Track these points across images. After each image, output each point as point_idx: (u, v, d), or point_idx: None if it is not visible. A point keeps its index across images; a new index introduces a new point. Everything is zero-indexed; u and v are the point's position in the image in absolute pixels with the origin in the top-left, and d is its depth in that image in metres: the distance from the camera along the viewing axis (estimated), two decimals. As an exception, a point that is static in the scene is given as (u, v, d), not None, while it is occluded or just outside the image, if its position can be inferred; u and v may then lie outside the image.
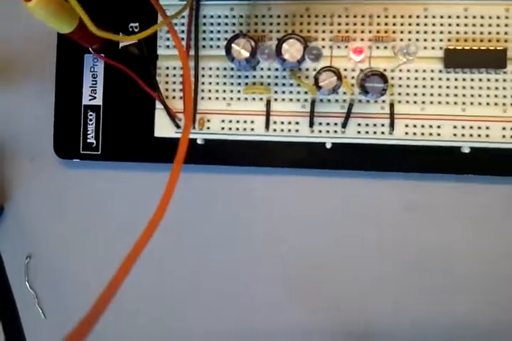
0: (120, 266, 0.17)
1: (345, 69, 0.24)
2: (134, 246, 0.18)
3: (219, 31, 0.25)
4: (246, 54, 0.23)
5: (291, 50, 0.22)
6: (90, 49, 0.25)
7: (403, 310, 0.24)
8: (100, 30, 0.19)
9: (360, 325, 0.25)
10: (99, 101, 0.26)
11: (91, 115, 0.26)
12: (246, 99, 0.24)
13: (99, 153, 0.26)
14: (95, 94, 0.26)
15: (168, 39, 0.25)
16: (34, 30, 0.26)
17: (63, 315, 0.26)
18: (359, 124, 0.24)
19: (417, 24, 0.23)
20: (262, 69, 0.24)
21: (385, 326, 0.24)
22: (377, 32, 0.24)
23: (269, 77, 0.24)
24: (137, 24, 0.26)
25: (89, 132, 0.26)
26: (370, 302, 0.24)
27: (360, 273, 0.24)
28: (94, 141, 0.26)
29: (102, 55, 0.25)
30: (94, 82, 0.26)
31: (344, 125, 0.24)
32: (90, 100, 0.26)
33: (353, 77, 0.24)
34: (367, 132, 0.24)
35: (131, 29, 0.26)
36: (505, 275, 0.24)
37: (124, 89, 0.25)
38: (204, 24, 0.25)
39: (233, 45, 0.23)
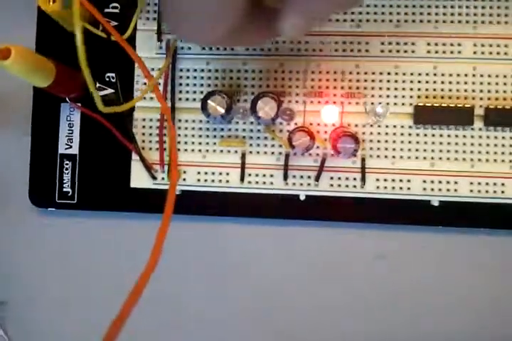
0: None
1: (318, 124, 0.24)
2: (129, 297, 0.18)
3: (195, 84, 0.25)
4: (221, 110, 0.23)
5: (266, 108, 0.23)
6: (67, 99, 0.26)
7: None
8: (106, 107, 0.20)
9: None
10: (75, 150, 0.26)
11: (67, 164, 0.26)
12: (221, 151, 0.25)
13: (75, 202, 0.26)
14: (71, 143, 0.26)
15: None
16: (9, 78, 0.26)
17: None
18: (331, 178, 0.24)
19: (388, 81, 0.24)
20: (237, 122, 0.25)
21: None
22: (349, 88, 0.24)
23: (244, 130, 0.25)
24: (114, 74, 0.26)
25: (65, 181, 0.26)
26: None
27: (335, 322, 0.25)
28: (70, 190, 0.26)
29: (79, 104, 0.26)
30: (71, 131, 0.26)
31: (317, 178, 0.24)
32: (66, 149, 0.26)
33: (325, 132, 0.24)
34: (339, 185, 0.24)
35: (107, 79, 0.26)
36: (471, 322, 0.24)
37: (100, 139, 0.26)
38: (180, 77, 0.25)
39: (209, 101, 0.23)
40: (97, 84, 0.26)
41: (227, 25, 0.17)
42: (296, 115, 0.24)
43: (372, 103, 0.24)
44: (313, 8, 0.16)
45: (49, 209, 0.26)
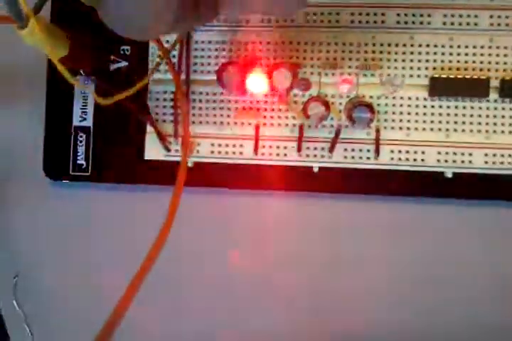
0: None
1: (333, 96, 0.24)
2: (139, 269, 0.19)
3: (210, 56, 0.25)
4: (237, 81, 0.23)
5: (281, 78, 0.23)
6: (81, 71, 0.26)
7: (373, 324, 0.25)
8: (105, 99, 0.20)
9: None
10: (89, 122, 0.26)
11: (81, 136, 0.26)
12: (235, 123, 0.25)
13: (89, 174, 0.26)
14: (85, 115, 0.26)
15: (159, 63, 0.25)
16: (23, 52, 0.26)
17: (51, 334, 0.26)
18: (345, 149, 0.24)
19: (403, 53, 0.24)
20: (251, 94, 0.25)
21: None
22: (365, 60, 0.24)
23: (258, 102, 0.25)
24: (129, 47, 0.26)
25: (79, 153, 0.26)
26: (355, 323, 0.25)
27: (348, 296, 0.25)
28: (84, 163, 0.26)
29: (93, 77, 0.26)
30: (85, 104, 0.26)
31: (331, 150, 0.24)
32: (81, 121, 0.26)
33: (340, 104, 0.24)
34: (353, 157, 0.24)
35: (122, 52, 0.26)
36: (485, 292, 0.24)
37: (114, 112, 0.26)
38: (195, 49, 0.25)
39: (224, 73, 0.23)
40: (112, 57, 0.26)
41: (168, 22, 0.17)
42: (312, 86, 0.24)
43: (388, 74, 0.24)
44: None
45: (63, 181, 0.26)
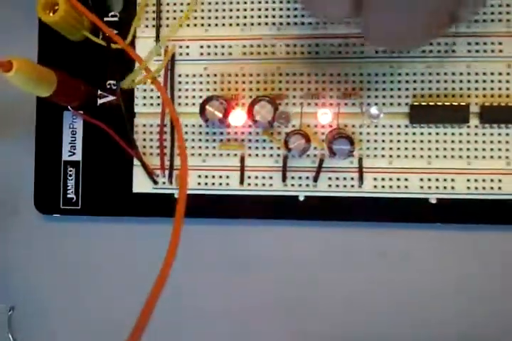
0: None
1: (316, 126, 0.25)
2: (144, 308, 0.19)
3: (194, 89, 0.25)
4: (219, 115, 0.23)
5: (263, 111, 0.23)
6: (69, 107, 0.26)
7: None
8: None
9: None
10: (78, 156, 0.26)
11: (71, 171, 0.26)
12: (221, 155, 0.25)
13: (79, 207, 0.26)
14: (74, 150, 0.26)
15: (144, 97, 0.26)
16: (12, 88, 0.27)
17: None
18: (330, 178, 0.25)
19: (383, 81, 0.24)
20: (235, 126, 0.25)
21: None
22: (346, 89, 0.24)
23: (242, 133, 0.25)
24: (115, 81, 0.26)
25: (69, 187, 0.26)
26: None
27: (335, 319, 0.25)
28: (74, 196, 0.26)
29: (81, 112, 0.26)
30: (74, 138, 0.26)
31: (315, 179, 0.24)
32: (70, 156, 0.26)
33: (323, 133, 0.24)
34: (337, 185, 0.25)
35: (109, 86, 0.26)
36: (476, 318, 0.25)
37: (102, 145, 0.26)
38: (179, 82, 0.25)
39: (207, 106, 0.23)
40: (99, 92, 0.26)
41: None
42: (293, 117, 0.24)
43: (368, 104, 0.24)
44: None
45: (54, 215, 0.26)
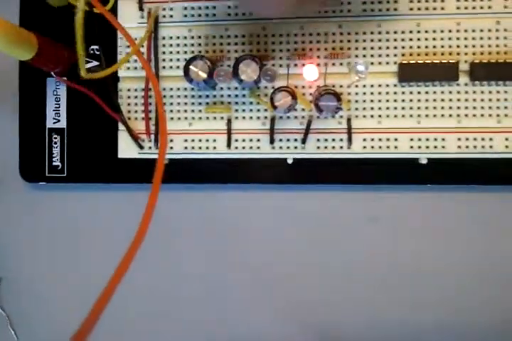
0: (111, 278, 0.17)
1: (303, 87, 0.24)
2: (118, 266, 0.18)
3: (178, 52, 0.25)
4: (204, 75, 0.23)
5: (248, 70, 0.23)
6: (52, 73, 0.26)
7: (372, 321, 0.25)
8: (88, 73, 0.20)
9: (329, 336, 0.25)
10: (63, 124, 0.26)
11: (55, 138, 0.26)
12: (207, 118, 0.25)
13: (65, 175, 0.26)
14: (59, 117, 0.26)
15: (128, 61, 0.25)
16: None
17: (35, 337, 0.26)
18: (318, 140, 0.24)
19: (371, 40, 0.24)
20: (221, 88, 0.25)
21: (352, 336, 0.25)
22: (333, 49, 0.24)
23: (229, 96, 0.25)
24: (98, 46, 0.26)
25: (54, 155, 0.26)
26: (340, 314, 0.25)
27: (329, 285, 0.25)
28: (60, 164, 0.26)
29: (65, 78, 0.26)
30: (58, 105, 0.26)
31: (304, 141, 0.24)
32: (54, 123, 0.26)
33: (310, 94, 0.24)
34: (326, 147, 0.24)
35: (92, 51, 0.26)
36: (471, 283, 0.24)
37: (87, 112, 0.26)
38: (163, 45, 0.25)
39: (191, 66, 0.23)
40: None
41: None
42: (280, 77, 0.23)
43: (355, 62, 0.24)
44: None
45: (40, 183, 0.26)
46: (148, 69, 0.23)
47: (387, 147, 0.24)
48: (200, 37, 0.25)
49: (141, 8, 0.25)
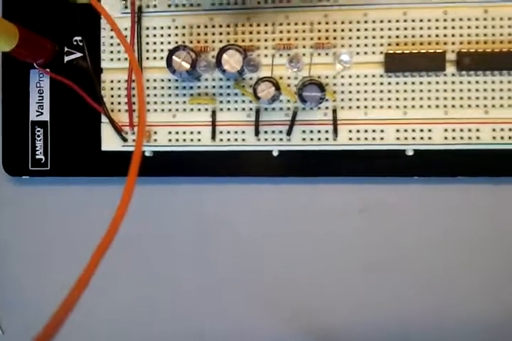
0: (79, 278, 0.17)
1: (289, 78, 0.24)
2: (91, 259, 0.18)
3: (162, 42, 0.25)
4: (187, 66, 0.23)
5: (231, 60, 0.22)
6: (35, 64, 0.25)
7: (364, 311, 0.24)
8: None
9: (321, 327, 0.25)
10: (46, 116, 0.26)
11: (39, 131, 0.26)
12: (191, 109, 0.24)
13: (49, 168, 0.26)
14: (42, 109, 0.26)
15: (111, 52, 0.25)
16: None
17: (22, 331, 0.26)
18: (303, 131, 0.24)
19: (357, 29, 0.24)
20: (206, 79, 0.24)
21: (345, 327, 0.25)
22: (318, 38, 0.24)
23: (213, 87, 0.24)
24: (81, 37, 0.25)
25: (37, 148, 0.26)
26: (331, 304, 0.25)
27: (318, 277, 0.25)
28: (43, 157, 0.25)
29: (47, 69, 0.25)
30: (41, 98, 0.26)
31: (289, 132, 0.24)
32: (37, 116, 0.26)
33: (296, 85, 0.24)
34: (311, 139, 0.24)
35: (75, 42, 0.25)
36: (460, 274, 0.24)
37: (70, 104, 0.25)
38: (147, 36, 0.25)
39: (174, 57, 0.23)
40: (65, 49, 0.25)
41: None
42: (264, 70, 0.23)
43: (340, 52, 0.23)
44: None
45: (23, 177, 0.26)
46: (133, 59, 0.23)
47: (373, 138, 0.24)
48: (184, 27, 0.24)
49: (123, -2, 0.25)
